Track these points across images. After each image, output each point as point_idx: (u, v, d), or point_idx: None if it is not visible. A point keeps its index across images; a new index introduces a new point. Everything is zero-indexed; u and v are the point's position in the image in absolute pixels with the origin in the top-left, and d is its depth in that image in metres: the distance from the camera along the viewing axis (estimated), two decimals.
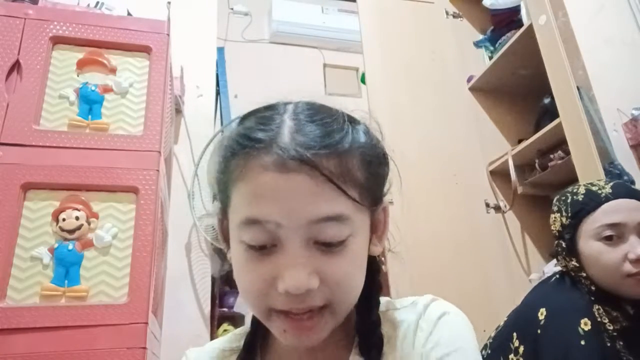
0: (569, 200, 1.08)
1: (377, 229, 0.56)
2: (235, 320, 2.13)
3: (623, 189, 1.06)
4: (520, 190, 1.98)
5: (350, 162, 0.50)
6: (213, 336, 1.80)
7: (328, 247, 0.48)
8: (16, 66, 1.27)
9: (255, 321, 0.60)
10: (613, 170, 1.54)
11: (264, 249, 0.48)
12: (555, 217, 1.11)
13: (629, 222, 1.00)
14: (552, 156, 1.83)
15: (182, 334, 1.65)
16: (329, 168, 0.47)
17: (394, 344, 0.55)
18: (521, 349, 1.03)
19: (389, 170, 0.57)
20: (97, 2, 1.78)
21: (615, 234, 1.00)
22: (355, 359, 0.54)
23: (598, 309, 1.00)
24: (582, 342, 0.94)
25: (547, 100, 1.84)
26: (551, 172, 1.85)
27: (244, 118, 0.55)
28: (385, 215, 0.57)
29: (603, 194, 1.04)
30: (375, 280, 0.57)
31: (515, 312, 1.14)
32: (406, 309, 0.57)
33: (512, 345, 1.06)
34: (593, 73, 1.70)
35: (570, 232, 1.06)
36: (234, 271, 0.53)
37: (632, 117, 1.69)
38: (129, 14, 1.77)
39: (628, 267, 0.98)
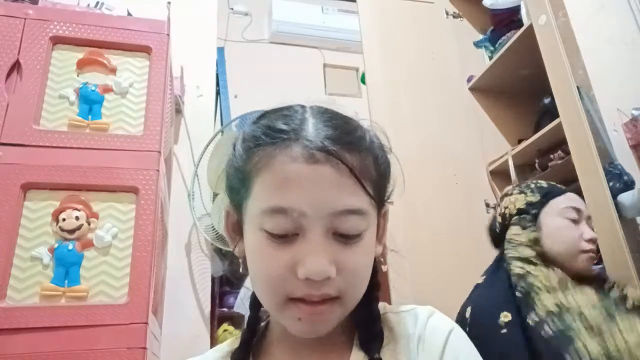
0: (532, 187, 1.28)
1: (378, 231, 0.58)
2: (235, 320, 2.13)
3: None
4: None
5: (367, 160, 0.53)
6: (213, 336, 1.80)
7: (346, 239, 0.50)
8: (16, 66, 1.27)
9: (251, 322, 0.60)
10: (613, 170, 1.54)
11: (284, 237, 0.50)
12: (517, 198, 1.28)
13: (584, 211, 1.23)
14: (552, 156, 1.83)
15: (182, 334, 1.65)
16: (352, 162, 0.50)
17: (393, 345, 0.56)
18: None
19: (390, 177, 0.59)
20: (97, 2, 1.79)
21: (577, 217, 1.21)
22: (357, 354, 0.55)
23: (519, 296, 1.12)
24: (504, 331, 1.08)
25: (547, 100, 1.84)
26: (551, 172, 1.85)
27: (261, 116, 0.56)
28: (385, 220, 0.60)
29: (560, 188, 1.28)
30: (374, 278, 0.58)
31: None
32: (405, 314, 0.59)
33: None
34: (593, 73, 1.69)
35: (537, 208, 1.23)
36: (248, 261, 0.54)
37: (632, 117, 1.69)
38: (129, 14, 1.77)
39: (584, 244, 1.18)
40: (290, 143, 0.50)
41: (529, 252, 1.19)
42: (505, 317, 1.09)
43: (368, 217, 0.52)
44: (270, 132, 0.52)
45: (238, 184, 0.54)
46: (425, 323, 0.57)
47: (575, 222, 1.21)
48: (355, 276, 0.51)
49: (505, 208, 1.28)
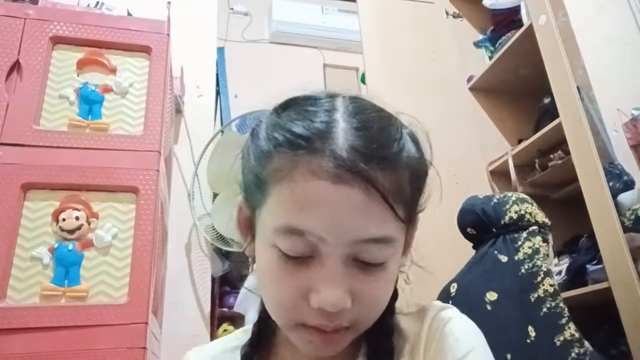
0: (543, 214, 1.39)
1: (405, 241, 0.52)
2: (235, 320, 2.12)
3: None
4: (520, 190, 1.97)
5: (403, 177, 0.46)
6: (213, 336, 1.80)
7: (367, 266, 0.45)
8: (16, 66, 1.27)
9: (261, 322, 0.58)
10: (613, 170, 1.54)
11: (298, 259, 0.45)
12: (537, 210, 1.37)
13: None
14: (552, 156, 1.83)
15: (182, 334, 1.65)
16: (383, 184, 0.43)
17: (404, 353, 0.53)
18: None
19: (425, 188, 0.53)
20: (97, 2, 1.78)
21: None
22: None
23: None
24: (489, 308, 1.18)
25: (547, 100, 1.84)
26: (551, 172, 1.85)
27: (283, 108, 0.49)
28: (414, 227, 0.54)
29: None
30: (393, 290, 0.54)
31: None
32: (413, 316, 0.56)
33: None
34: (593, 73, 1.70)
35: (549, 232, 1.38)
36: (259, 275, 0.50)
37: (632, 117, 1.69)
38: (129, 14, 1.77)
39: None
40: (314, 155, 0.43)
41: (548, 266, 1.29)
42: (492, 296, 1.20)
43: (395, 244, 0.46)
44: (291, 137, 0.44)
45: (253, 188, 0.49)
46: (432, 320, 0.53)
47: None
48: (372, 306, 0.47)
49: (527, 212, 1.35)
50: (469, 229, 1.44)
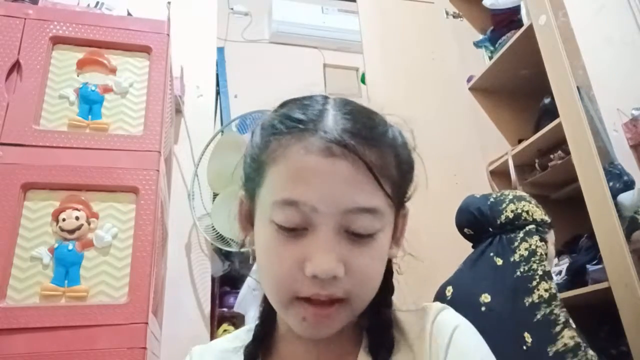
0: (543, 211, 1.35)
1: (395, 232, 0.55)
2: (235, 320, 2.13)
3: None
4: (520, 190, 1.98)
5: (388, 158, 0.50)
6: (213, 336, 1.80)
7: (357, 237, 0.48)
8: (16, 66, 1.27)
9: (263, 318, 0.59)
10: (613, 170, 1.54)
11: (294, 231, 0.48)
12: (535, 208, 1.33)
13: None
14: (552, 156, 1.83)
15: (182, 334, 1.65)
16: (370, 158, 0.48)
17: (402, 347, 0.54)
18: None
19: (413, 177, 0.56)
20: (97, 2, 1.78)
21: None
22: (363, 359, 0.54)
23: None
24: (483, 309, 1.19)
25: (547, 100, 1.84)
26: (551, 172, 1.85)
27: (282, 105, 0.54)
28: (405, 221, 0.57)
29: None
30: (388, 282, 0.56)
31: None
32: (413, 314, 0.57)
33: None
34: (593, 73, 1.70)
35: (548, 229, 1.35)
36: (257, 255, 0.53)
37: (632, 117, 1.69)
38: (129, 14, 1.77)
39: None
40: (306, 134, 0.48)
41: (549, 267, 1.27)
42: (486, 297, 1.21)
43: (383, 218, 0.49)
44: (287, 121, 0.50)
45: (252, 172, 0.53)
46: (433, 320, 0.54)
47: None
48: (364, 278, 0.49)
49: (524, 210, 1.32)
50: (466, 229, 1.42)
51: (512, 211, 1.31)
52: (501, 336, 1.12)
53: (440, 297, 1.30)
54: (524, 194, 1.40)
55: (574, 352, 1.09)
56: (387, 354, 0.53)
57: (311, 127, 0.49)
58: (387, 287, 0.56)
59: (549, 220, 1.32)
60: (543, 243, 1.26)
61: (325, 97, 0.53)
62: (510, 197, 1.35)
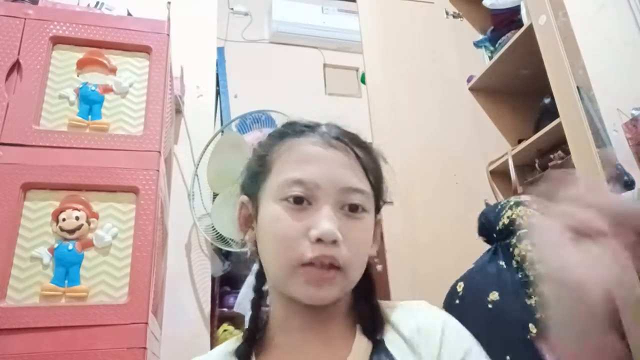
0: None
1: (375, 234, 0.64)
2: (235, 320, 2.13)
3: None
4: (520, 190, 1.97)
5: (370, 161, 0.63)
6: (213, 336, 1.80)
7: (352, 212, 0.58)
8: (16, 66, 1.27)
9: (253, 319, 0.64)
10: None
11: (300, 206, 0.57)
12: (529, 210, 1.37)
13: None
14: (552, 156, 1.82)
15: (182, 334, 1.65)
16: (358, 153, 0.61)
17: (392, 334, 0.60)
18: None
19: (384, 191, 0.66)
20: (97, 2, 1.79)
21: None
22: (361, 339, 0.60)
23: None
24: (490, 307, 1.24)
25: (547, 100, 1.84)
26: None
27: (284, 124, 0.67)
28: (379, 228, 0.66)
29: None
30: (370, 274, 0.65)
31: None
32: (399, 310, 0.63)
33: None
34: (593, 73, 1.69)
35: None
36: (263, 232, 0.60)
37: (632, 117, 1.68)
38: (129, 14, 1.77)
39: None
40: (309, 134, 0.62)
41: None
42: (493, 295, 1.26)
43: (370, 201, 0.61)
44: (292, 127, 0.64)
45: (258, 169, 0.63)
46: (420, 314, 0.61)
47: None
48: (357, 247, 0.58)
49: (519, 216, 1.35)
50: (481, 237, 1.48)
51: (508, 217, 1.36)
52: (508, 327, 1.19)
53: (452, 292, 1.37)
54: (524, 199, 1.42)
55: None
56: (380, 331, 0.60)
57: (312, 130, 0.62)
58: (369, 278, 0.64)
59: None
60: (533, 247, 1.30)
61: (317, 123, 0.65)
62: (511, 203, 1.39)
